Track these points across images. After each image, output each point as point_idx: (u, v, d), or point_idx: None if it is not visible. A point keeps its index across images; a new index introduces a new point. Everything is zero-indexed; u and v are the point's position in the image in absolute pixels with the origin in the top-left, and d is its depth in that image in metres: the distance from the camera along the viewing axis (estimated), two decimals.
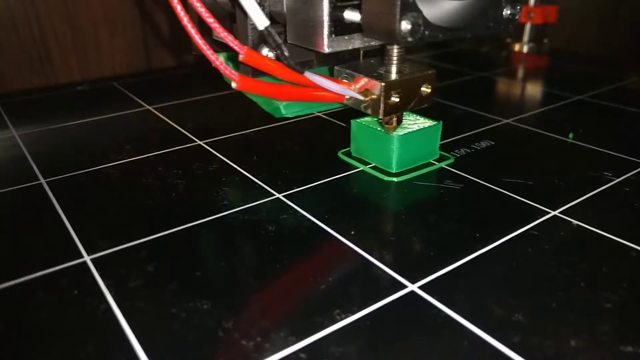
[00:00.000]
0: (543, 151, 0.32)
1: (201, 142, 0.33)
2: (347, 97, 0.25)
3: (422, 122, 0.29)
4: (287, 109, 0.27)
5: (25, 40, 0.45)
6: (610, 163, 0.29)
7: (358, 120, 0.29)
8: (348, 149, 0.31)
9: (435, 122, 0.29)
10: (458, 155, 0.30)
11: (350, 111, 0.30)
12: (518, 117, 0.37)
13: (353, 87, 0.24)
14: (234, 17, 0.25)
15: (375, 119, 0.30)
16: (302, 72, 0.22)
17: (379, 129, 0.28)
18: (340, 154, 0.30)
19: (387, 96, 0.23)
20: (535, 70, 0.53)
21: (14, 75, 0.46)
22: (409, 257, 0.21)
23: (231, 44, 0.21)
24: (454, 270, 0.20)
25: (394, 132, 0.27)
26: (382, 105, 0.24)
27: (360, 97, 0.24)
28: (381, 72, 0.24)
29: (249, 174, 0.28)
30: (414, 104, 0.25)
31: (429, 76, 0.25)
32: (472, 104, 0.39)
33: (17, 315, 0.18)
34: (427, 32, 0.20)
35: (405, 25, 0.19)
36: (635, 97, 0.42)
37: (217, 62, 0.21)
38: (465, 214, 0.24)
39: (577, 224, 0.23)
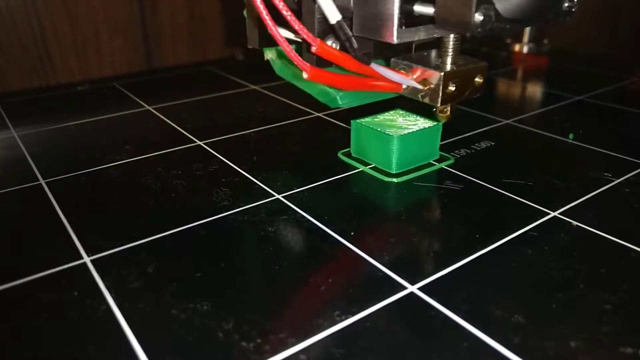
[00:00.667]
0: (543, 151, 0.32)
1: (201, 143, 0.33)
2: (404, 86, 0.26)
3: (423, 123, 0.29)
4: (343, 99, 0.28)
5: (26, 40, 0.45)
6: (610, 163, 0.29)
7: (358, 120, 0.29)
8: (348, 149, 0.31)
9: (435, 123, 0.29)
10: (458, 156, 0.30)
11: (351, 111, 0.30)
12: (518, 118, 0.37)
13: (411, 77, 0.26)
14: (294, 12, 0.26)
15: (375, 119, 0.30)
16: (368, 64, 0.24)
17: (379, 129, 0.28)
18: (340, 155, 0.30)
19: (446, 85, 0.25)
20: (535, 70, 0.53)
21: (14, 75, 0.46)
22: (408, 258, 0.21)
23: (305, 37, 0.22)
24: (454, 271, 0.20)
25: (395, 133, 0.27)
26: (440, 94, 0.25)
27: (419, 87, 0.26)
28: (438, 63, 0.26)
29: (249, 174, 0.28)
30: (468, 93, 0.27)
31: (482, 68, 0.27)
32: (472, 104, 0.39)
33: (17, 316, 0.18)
34: (496, 24, 0.21)
35: (478, 17, 0.20)
36: (635, 97, 0.42)
37: (292, 54, 0.22)
38: (465, 215, 0.24)
39: (577, 225, 0.23)
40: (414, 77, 0.26)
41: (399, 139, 0.27)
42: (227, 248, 0.22)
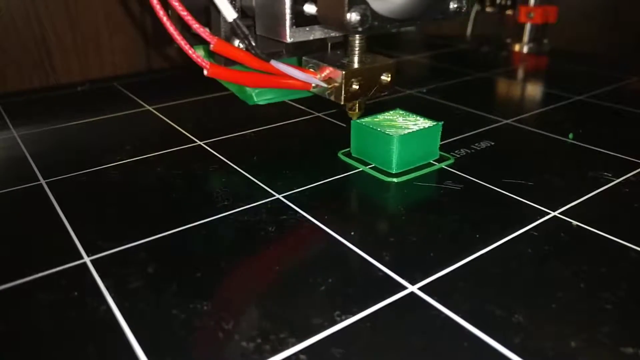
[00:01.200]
0: (543, 151, 0.32)
1: (201, 143, 0.33)
2: (313, 84, 0.27)
3: (422, 123, 0.29)
4: (258, 97, 0.29)
5: (26, 41, 0.45)
6: (610, 163, 0.29)
7: (358, 120, 0.29)
8: (348, 149, 0.31)
9: (435, 123, 0.29)
10: (458, 156, 0.30)
11: None
12: (518, 118, 0.37)
13: (318, 75, 0.26)
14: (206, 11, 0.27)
15: (375, 119, 0.30)
16: (268, 61, 0.24)
17: (379, 129, 0.28)
18: (340, 155, 0.30)
19: (348, 83, 0.26)
20: (535, 70, 0.53)
21: (15, 75, 0.46)
22: (408, 258, 0.21)
23: (203, 35, 0.23)
24: (454, 271, 0.20)
25: (395, 133, 0.27)
26: (343, 92, 0.26)
27: (324, 85, 0.26)
28: (344, 61, 0.26)
29: (249, 174, 0.28)
30: (374, 91, 0.27)
31: (388, 66, 0.27)
32: (472, 104, 0.39)
33: (17, 317, 0.18)
34: (376, 23, 0.22)
35: (355, 17, 0.21)
36: (635, 97, 0.42)
37: (190, 52, 0.23)
38: (465, 215, 0.24)
39: (577, 225, 0.23)
40: (322, 75, 0.26)
41: (399, 139, 0.27)
42: (228, 248, 0.22)
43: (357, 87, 0.26)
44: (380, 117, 0.30)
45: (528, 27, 0.58)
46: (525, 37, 0.59)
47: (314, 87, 0.27)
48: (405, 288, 0.19)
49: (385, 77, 0.27)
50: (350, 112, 0.28)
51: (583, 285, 0.19)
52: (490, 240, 0.22)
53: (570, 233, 0.23)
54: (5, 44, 0.45)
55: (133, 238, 0.22)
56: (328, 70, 0.26)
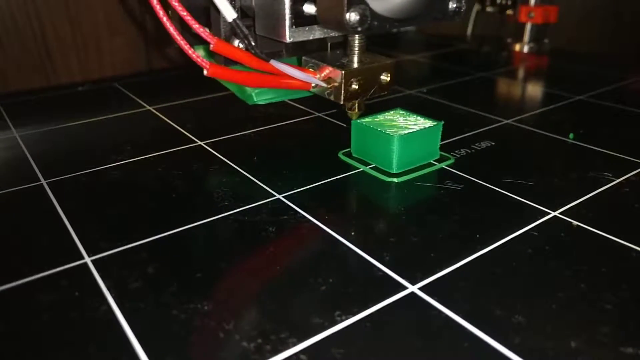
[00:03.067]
0: (543, 151, 0.32)
1: (201, 143, 0.33)
2: (312, 84, 0.27)
3: (423, 123, 0.29)
4: (258, 96, 0.29)
5: (26, 41, 0.45)
6: (610, 163, 0.29)
7: (358, 120, 0.29)
8: (348, 149, 0.31)
9: (435, 123, 0.29)
10: (458, 156, 0.30)
11: None
12: (518, 118, 0.37)
13: (318, 75, 0.26)
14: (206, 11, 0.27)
15: (375, 119, 0.30)
16: (267, 61, 0.24)
17: (379, 129, 0.28)
18: (340, 155, 0.30)
19: (347, 83, 0.26)
20: (535, 70, 0.53)
21: (15, 75, 0.46)
22: (409, 258, 0.21)
23: (203, 35, 0.23)
24: (454, 271, 0.20)
25: (395, 133, 0.27)
26: (342, 92, 0.26)
27: (324, 84, 0.26)
28: (344, 61, 0.26)
29: (249, 174, 0.28)
30: (373, 91, 0.27)
31: (387, 65, 0.27)
32: (473, 104, 0.39)
33: (18, 316, 0.18)
34: (375, 23, 0.22)
35: (354, 17, 0.21)
36: (635, 97, 0.42)
37: (190, 51, 0.23)
38: (465, 215, 0.24)
39: (577, 225, 0.23)
40: (322, 75, 0.26)
41: (399, 139, 0.27)
42: (228, 248, 0.22)
43: (357, 86, 0.26)
44: (381, 117, 0.30)
45: (528, 26, 0.58)
46: (526, 37, 0.58)
47: (313, 87, 0.27)
48: (405, 288, 0.19)
49: (385, 77, 0.27)
50: (349, 112, 0.28)
51: (583, 285, 0.19)
52: (491, 240, 0.22)
53: (570, 233, 0.23)
54: (6, 44, 0.45)
55: (134, 238, 0.22)
56: (327, 70, 0.26)
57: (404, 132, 0.28)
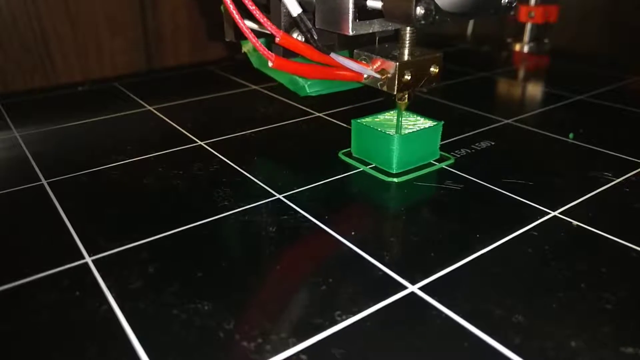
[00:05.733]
0: (543, 151, 0.32)
1: (202, 143, 0.33)
2: (365, 75, 0.28)
3: (423, 123, 0.29)
4: (311, 88, 0.30)
5: (27, 41, 0.46)
6: (610, 163, 0.29)
7: (359, 120, 0.29)
8: (348, 149, 0.31)
9: (435, 123, 0.29)
10: (458, 156, 0.30)
11: (351, 111, 0.30)
12: (518, 118, 0.37)
13: (371, 67, 0.27)
14: (264, 8, 0.28)
15: (375, 119, 0.30)
16: (328, 54, 0.25)
17: (379, 129, 0.28)
18: (340, 155, 0.30)
19: (401, 74, 0.26)
20: (535, 70, 0.53)
21: (16, 75, 0.46)
22: (409, 258, 0.21)
23: (269, 28, 0.24)
24: (454, 271, 0.20)
25: (395, 133, 0.27)
26: (396, 82, 0.27)
27: (377, 76, 0.27)
28: (395, 54, 0.27)
29: (250, 174, 0.28)
30: (424, 82, 0.28)
31: (437, 58, 0.28)
32: (473, 104, 0.39)
33: (19, 316, 0.18)
34: (437, 17, 0.23)
35: (420, 10, 0.22)
36: (635, 97, 0.42)
37: (258, 44, 0.23)
38: (465, 215, 0.24)
39: (577, 225, 0.23)
40: (374, 67, 0.27)
41: (399, 139, 0.27)
42: (228, 248, 0.22)
43: (409, 77, 0.27)
44: (381, 117, 0.30)
45: (529, 26, 0.58)
46: (526, 37, 0.58)
47: (365, 78, 0.28)
48: (405, 288, 0.19)
49: (434, 69, 0.28)
50: (399, 102, 0.29)
51: (583, 285, 0.19)
52: (491, 240, 0.22)
53: (570, 233, 0.23)
54: (6, 44, 0.45)
55: (134, 238, 0.22)
56: (380, 62, 0.27)
57: (404, 132, 0.28)
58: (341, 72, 0.27)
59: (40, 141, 0.34)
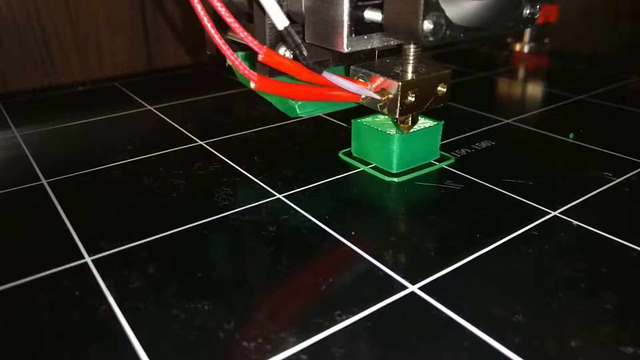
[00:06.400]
0: (543, 151, 0.32)
1: (202, 143, 0.33)
2: (363, 96, 0.25)
3: (423, 123, 0.29)
4: (302, 109, 0.27)
5: (27, 40, 0.46)
6: (610, 163, 0.29)
7: (359, 120, 0.29)
8: (349, 149, 0.31)
9: (435, 122, 0.29)
10: (459, 156, 0.30)
11: (351, 111, 0.30)
12: (518, 117, 0.37)
13: (369, 86, 0.24)
14: (249, 17, 0.24)
15: (375, 119, 0.30)
16: (320, 72, 0.22)
17: (379, 129, 0.28)
18: (340, 154, 0.30)
19: (404, 96, 0.24)
20: (535, 70, 0.53)
21: (16, 75, 0.46)
22: (409, 258, 0.21)
23: (251, 44, 0.21)
24: (455, 271, 0.20)
25: (395, 132, 0.27)
26: (398, 105, 0.24)
27: (377, 97, 0.24)
28: (397, 71, 0.25)
29: (250, 174, 0.28)
30: (429, 103, 0.25)
31: (444, 75, 0.25)
32: (473, 104, 0.39)
33: (18, 316, 0.18)
34: (448, 32, 0.20)
35: (428, 25, 0.19)
36: (635, 97, 0.42)
37: (237, 62, 0.21)
38: (465, 214, 0.24)
39: (578, 225, 0.23)
40: (373, 86, 0.24)
41: (399, 139, 0.27)
42: (228, 248, 0.22)
43: (413, 99, 0.24)
44: (381, 116, 0.30)
45: None
46: (526, 37, 0.58)
47: (363, 99, 0.25)
48: (405, 288, 0.19)
49: (442, 88, 0.25)
50: (401, 125, 0.26)
51: (583, 285, 0.19)
52: (491, 240, 0.22)
53: (570, 233, 0.23)
54: (6, 43, 0.45)
55: (134, 238, 0.22)
56: (379, 81, 0.24)
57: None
58: (335, 93, 0.24)
59: (40, 141, 0.34)
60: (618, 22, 0.60)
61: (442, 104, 0.26)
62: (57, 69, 0.48)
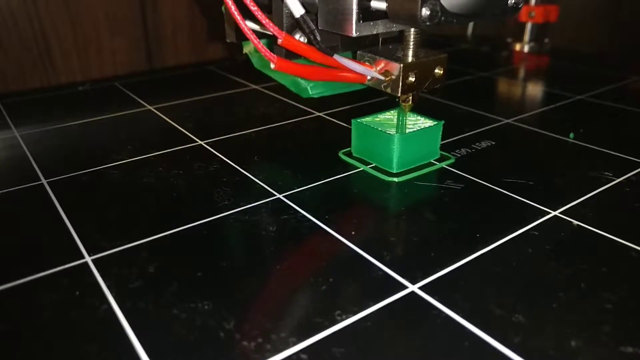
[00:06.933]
0: (543, 151, 0.32)
1: (202, 142, 0.33)
2: (369, 77, 0.27)
3: (423, 122, 0.29)
4: (314, 90, 0.29)
5: (27, 40, 0.46)
6: (610, 163, 0.29)
7: (359, 120, 0.29)
8: (349, 149, 0.31)
9: (436, 122, 0.29)
10: (459, 155, 0.30)
11: (351, 111, 0.30)
12: (519, 117, 0.37)
13: (375, 68, 0.27)
14: (265, 8, 0.27)
15: (375, 118, 0.30)
16: (331, 55, 0.25)
17: (379, 129, 0.28)
18: (340, 154, 0.30)
19: (405, 76, 0.26)
20: (535, 70, 0.53)
21: (16, 75, 0.46)
22: (409, 258, 0.21)
23: (272, 29, 0.23)
24: (455, 270, 0.20)
25: (395, 133, 0.27)
26: (400, 84, 0.26)
27: (381, 77, 0.27)
28: (399, 55, 0.27)
29: (250, 174, 0.28)
30: (428, 84, 0.28)
31: (441, 59, 0.28)
32: (473, 104, 0.39)
33: (19, 316, 0.18)
34: (443, 18, 0.23)
35: (425, 12, 0.22)
36: (635, 97, 0.42)
37: (260, 46, 0.23)
38: (465, 214, 0.24)
39: (578, 224, 0.23)
40: (377, 68, 0.27)
41: (399, 139, 0.27)
42: (228, 247, 0.22)
43: (413, 79, 0.27)
44: (381, 116, 0.30)
45: (529, 26, 0.58)
46: (526, 37, 0.58)
47: (369, 80, 0.28)
48: (405, 287, 0.19)
49: (438, 71, 0.28)
50: (403, 103, 0.29)
51: (583, 285, 0.19)
52: (491, 240, 0.22)
53: (570, 233, 0.23)
54: (6, 43, 0.45)
55: (134, 238, 0.22)
56: (384, 64, 0.27)
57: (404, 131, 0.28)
58: (344, 74, 0.27)
59: (40, 141, 0.34)
60: (618, 22, 0.60)
61: (439, 85, 0.28)
62: (57, 69, 0.48)
